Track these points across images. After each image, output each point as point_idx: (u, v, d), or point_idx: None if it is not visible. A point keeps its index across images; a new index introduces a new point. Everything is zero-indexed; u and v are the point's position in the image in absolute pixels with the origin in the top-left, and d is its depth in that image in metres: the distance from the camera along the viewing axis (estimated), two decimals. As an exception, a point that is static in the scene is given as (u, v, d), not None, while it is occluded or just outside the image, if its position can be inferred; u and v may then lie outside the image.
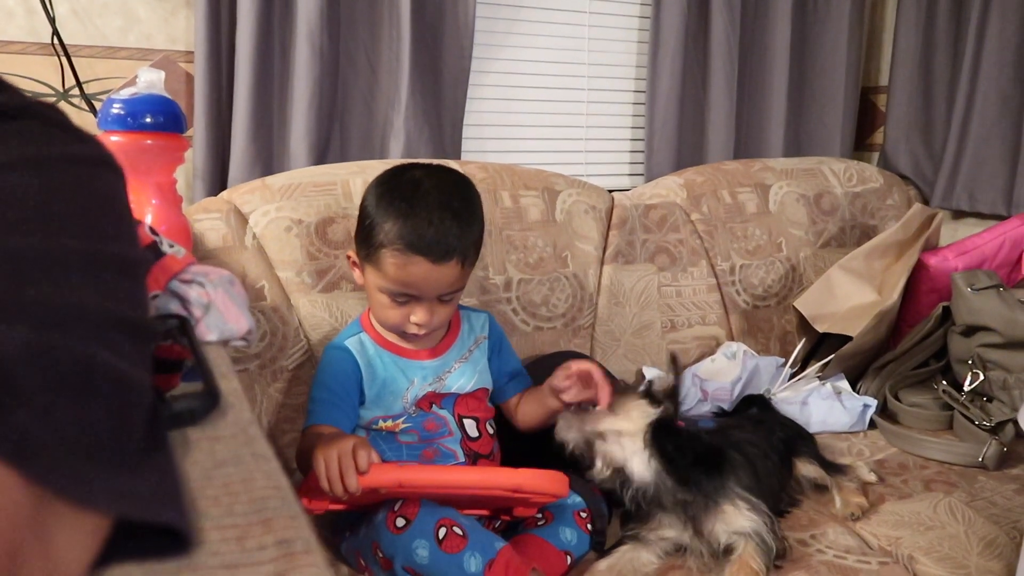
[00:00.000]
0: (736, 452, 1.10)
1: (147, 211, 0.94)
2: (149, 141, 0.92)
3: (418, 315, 1.05)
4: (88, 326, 0.30)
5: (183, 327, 0.50)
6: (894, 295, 1.52)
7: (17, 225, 0.30)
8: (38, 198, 0.31)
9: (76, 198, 0.33)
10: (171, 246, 0.61)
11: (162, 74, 0.92)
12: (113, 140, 0.91)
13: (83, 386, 0.28)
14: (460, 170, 1.16)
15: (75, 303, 0.30)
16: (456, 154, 1.62)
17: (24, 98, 0.36)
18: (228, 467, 0.36)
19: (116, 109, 0.89)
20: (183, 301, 0.57)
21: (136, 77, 0.90)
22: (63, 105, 1.35)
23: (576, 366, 1.07)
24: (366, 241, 1.05)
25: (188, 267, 0.59)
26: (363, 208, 1.07)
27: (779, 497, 1.17)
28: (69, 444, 0.27)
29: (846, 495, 1.21)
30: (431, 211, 1.01)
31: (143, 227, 0.62)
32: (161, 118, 0.91)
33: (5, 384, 0.26)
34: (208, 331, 0.56)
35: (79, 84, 1.33)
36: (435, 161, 1.39)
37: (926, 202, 1.99)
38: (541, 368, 1.37)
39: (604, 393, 1.04)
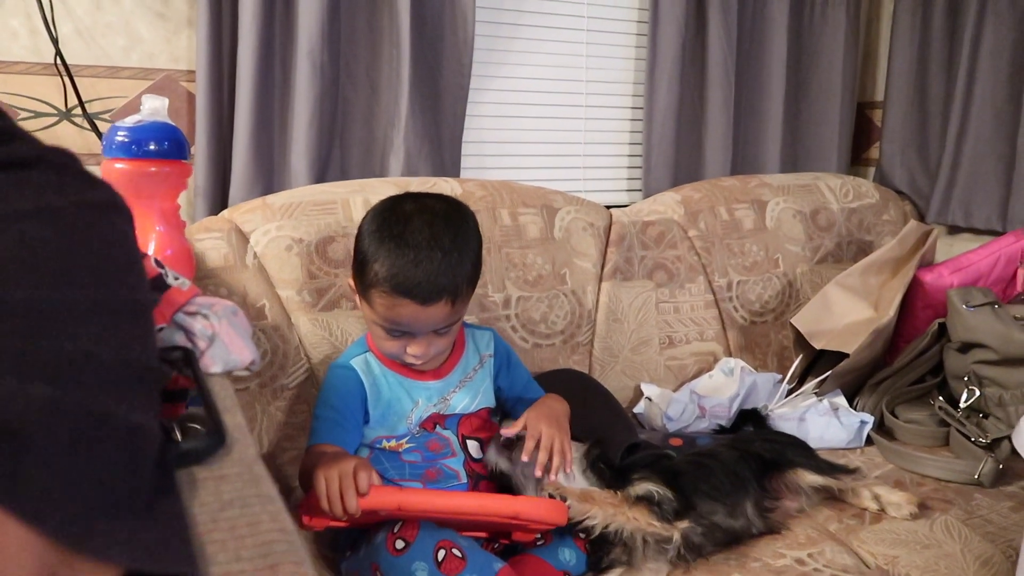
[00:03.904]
0: (688, 463, 1.17)
1: (152, 238, 0.95)
2: (153, 168, 0.92)
3: (414, 348, 1.05)
4: (101, 378, 0.31)
5: (188, 359, 0.51)
6: (890, 312, 1.53)
7: (34, 277, 0.31)
8: (53, 248, 0.32)
9: (88, 245, 0.34)
10: (176, 278, 0.62)
11: (166, 101, 0.93)
12: (117, 167, 0.92)
13: (96, 441, 0.29)
14: (457, 197, 1.17)
15: (89, 354, 0.30)
16: (455, 171, 1.63)
17: (39, 146, 0.37)
18: (234, 509, 0.36)
19: (120, 136, 0.90)
20: (188, 333, 0.58)
21: (140, 103, 0.91)
22: (65, 125, 1.36)
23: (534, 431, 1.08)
24: (359, 277, 1.05)
25: (193, 298, 0.60)
26: (357, 240, 1.07)
27: (744, 503, 1.17)
28: (84, 499, 0.28)
29: (885, 497, 1.23)
30: (420, 251, 0.99)
31: (148, 260, 0.63)
32: (165, 144, 0.92)
33: (24, 443, 0.27)
34: (213, 362, 0.57)
35: (81, 104, 1.34)
36: (432, 188, 1.41)
37: (922, 217, 2.00)
38: (542, 385, 1.38)
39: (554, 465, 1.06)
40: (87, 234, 0.34)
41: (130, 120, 0.90)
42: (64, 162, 0.36)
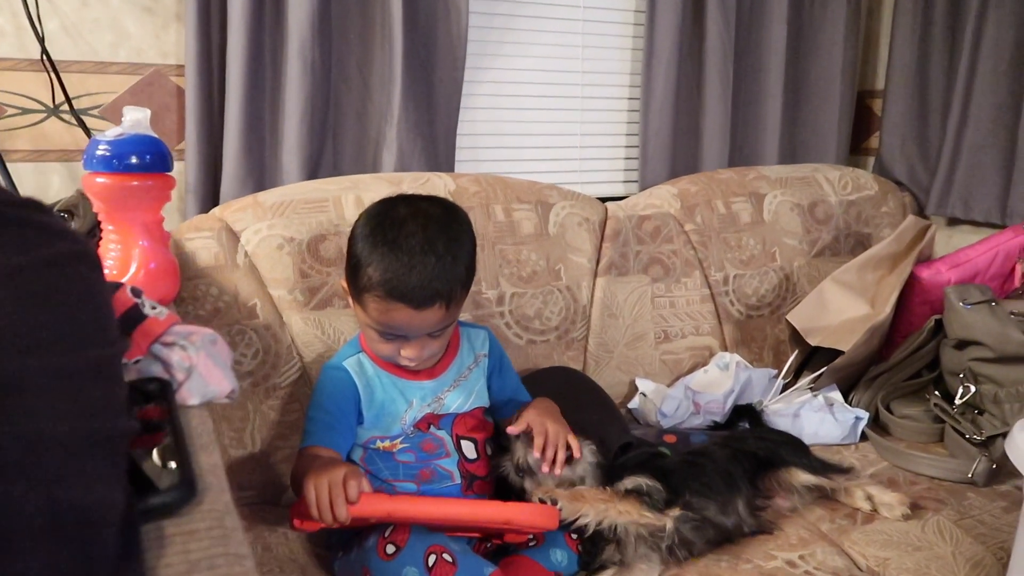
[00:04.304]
0: (679, 462, 1.18)
1: (134, 253, 0.94)
2: (135, 182, 0.91)
3: (408, 351, 1.05)
4: (55, 459, 0.30)
5: (164, 392, 0.51)
6: (887, 308, 1.52)
7: None
8: (8, 315, 0.31)
9: (48, 306, 0.33)
10: (153, 307, 0.61)
11: (147, 112, 0.92)
12: (99, 181, 0.91)
13: (47, 531, 0.29)
14: (450, 193, 1.16)
15: (43, 434, 0.30)
16: (450, 165, 1.61)
17: None
18: (201, 572, 0.36)
19: (102, 150, 0.89)
20: (165, 364, 0.57)
21: (122, 116, 0.90)
22: (53, 122, 1.35)
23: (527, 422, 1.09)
24: (353, 280, 1.05)
25: (170, 328, 0.60)
26: (351, 244, 1.06)
27: (736, 501, 1.17)
28: None
29: (878, 497, 1.23)
30: (413, 256, 0.99)
31: (124, 290, 0.62)
32: (147, 158, 0.91)
33: None
34: (191, 395, 0.57)
35: (68, 100, 1.33)
36: (426, 184, 1.39)
37: (921, 209, 1.99)
38: (534, 383, 1.38)
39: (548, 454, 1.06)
40: (48, 293, 0.34)
41: (111, 133, 0.89)
42: (25, 217, 0.35)
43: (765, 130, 1.97)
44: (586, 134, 1.88)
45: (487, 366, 1.19)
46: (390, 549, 0.96)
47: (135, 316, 0.59)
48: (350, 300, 1.10)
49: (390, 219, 1.03)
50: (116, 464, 0.34)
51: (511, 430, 1.10)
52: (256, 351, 1.24)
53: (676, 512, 1.08)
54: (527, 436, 1.09)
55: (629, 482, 1.10)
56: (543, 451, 1.06)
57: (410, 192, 1.17)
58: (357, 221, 1.07)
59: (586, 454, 1.12)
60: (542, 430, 1.07)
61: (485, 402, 1.18)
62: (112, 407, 0.35)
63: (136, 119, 0.90)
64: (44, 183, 1.36)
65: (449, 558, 0.95)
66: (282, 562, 1.09)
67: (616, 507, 1.06)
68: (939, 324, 1.52)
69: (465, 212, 1.11)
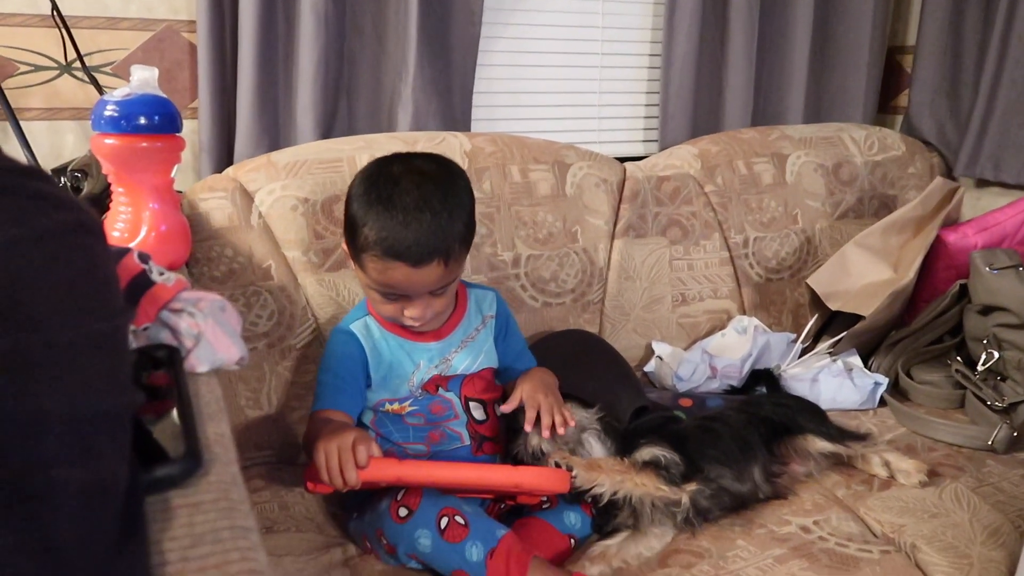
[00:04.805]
0: (695, 428, 1.18)
1: (145, 216, 0.92)
2: (144, 144, 0.89)
3: (411, 311, 1.04)
4: (56, 436, 0.29)
5: (172, 359, 0.50)
6: (910, 273, 1.49)
7: None
8: (8, 288, 0.30)
9: (51, 278, 0.32)
10: (161, 273, 0.60)
11: (155, 71, 0.90)
12: (107, 143, 0.89)
13: (46, 511, 0.28)
14: (466, 153, 1.14)
15: (44, 411, 0.29)
16: (466, 125, 1.59)
17: None
18: (206, 545, 0.36)
19: (110, 111, 0.87)
20: (174, 331, 0.56)
21: (130, 75, 0.88)
22: (65, 79, 1.34)
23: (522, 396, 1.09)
24: (351, 241, 1.04)
25: (178, 294, 0.59)
26: (347, 205, 1.05)
27: (751, 468, 1.17)
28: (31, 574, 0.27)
29: (895, 464, 1.22)
30: (408, 212, 0.98)
31: (131, 255, 0.61)
32: (156, 119, 0.89)
33: None
34: (199, 363, 0.56)
35: (80, 57, 1.31)
36: (441, 144, 1.37)
37: (949, 170, 1.93)
38: (549, 346, 1.37)
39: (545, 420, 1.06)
40: (48, 265, 0.33)
41: (119, 92, 0.87)
42: (24, 185, 0.34)
43: (790, 88, 1.91)
44: (605, 92, 1.84)
45: (494, 327, 1.19)
46: (403, 512, 0.96)
47: (142, 282, 0.58)
48: (352, 264, 1.09)
49: (384, 177, 1.02)
50: (118, 439, 0.34)
51: (503, 409, 1.10)
52: (271, 312, 1.24)
53: (693, 487, 1.07)
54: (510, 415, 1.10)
55: (647, 453, 1.10)
56: (536, 422, 1.06)
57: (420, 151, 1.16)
58: (352, 182, 1.06)
59: (592, 420, 1.11)
60: (534, 404, 1.07)
61: (494, 363, 1.17)
62: (114, 381, 0.35)
63: (144, 78, 0.88)
64: (58, 142, 1.36)
65: (461, 520, 0.96)
66: (299, 521, 1.10)
67: (633, 479, 1.05)
68: (963, 289, 1.49)
69: (462, 168, 1.10)
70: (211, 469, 0.42)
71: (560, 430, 1.06)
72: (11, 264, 0.31)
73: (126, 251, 0.61)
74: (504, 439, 1.17)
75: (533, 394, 1.08)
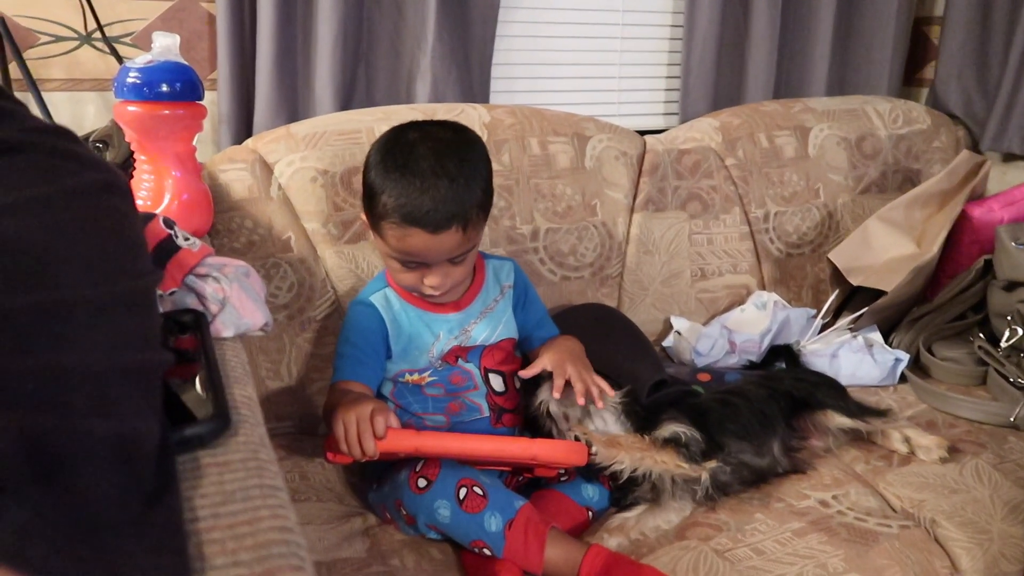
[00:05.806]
0: (715, 401, 1.17)
1: (167, 184, 0.93)
2: (166, 111, 0.89)
3: (430, 279, 1.04)
4: (88, 391, 0.30)
5: (198, 323, 0.50)
6: (934, 248, 1.47)
7: (17, 281, 0.29)
8: (39, 245, 0.31)
9: (81, 236, 0.32)
10: (186, 239, 0.60)
11: (177, 38, 0.89)
12: (130, 110, 0.89)
13: (81, 465, 0.28)
14: (485, 125, 1.13)
15: (76, 366, 0.29)
16: (484, 96, 1.57)
17: (26, 128, 0.34)
18: (236, 503, 0.36)
19: (132, 78, 0.87)
20: (199, 296, 0.57)
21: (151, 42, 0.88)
22: (86, 50, 1.34)
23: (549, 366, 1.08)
24: (369, 210, 1.04)
25: (204, 259, 0.59)
26: (365, 174, 1.05)
27: (771, 442, 1.16)
28: (67, 528, 0.27)
29: (915, 440, 1.21)
30: (425, 178, 0.98)
31: (157, 221, 0.62)
32: (177, 86, 0.89)
33: None
34: (224, 327, 0.56)
35: (100, 27, 1.31)
36: (460, 115, 1.36)
37: (975, 144, 1.90)
38: (567, 319, 1.37)
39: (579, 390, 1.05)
40: (79, 223, 0.33)
41: (141, 60, 0.87)
42: (54, 144, 0.34)
43: (814, 59, 1.88)
44: (625, 64, 1.81)
45: (513, 297, 1.18)
46: (421, 483, 0.97)
47: (168, 247, 0.58)
48: (371, 234, 1.09)
49: (400, 145, 1.02)
50: (150, 395, 0.34)
51: (523, 374, 1.10)
52: (291, 284, 1.24)
53: (713, 464, 1.07)
54: (549, 383, 1.08)
55: (667, 430, 1.09)
56: (565, 389, 1.05)
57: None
58: (369, 151, 1.06)
59: (611, 421, 1.11)
60: (563, 372, 1.06)
61: (513, 334, 1.17)
62: (145, 338, 0.35)
63: (166, 45, 0.88)
64: (79, 113, 1.36)
65: (480, 491, 0.96)
66: (319, 491, 1.11)
67: (653, 456, 1.05)
68: (988, 264, 1.47)
69: (478, 135, 1.09)
70: (239, 430, 0.42)
71: (598, 404, 1.05)
72: (41, 221, 0.31)
73: (152, 216, 0.61)
74: (523, 411, 1.17)
75: (560, 362, 1.08)
